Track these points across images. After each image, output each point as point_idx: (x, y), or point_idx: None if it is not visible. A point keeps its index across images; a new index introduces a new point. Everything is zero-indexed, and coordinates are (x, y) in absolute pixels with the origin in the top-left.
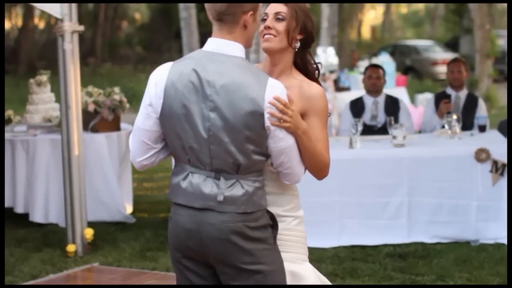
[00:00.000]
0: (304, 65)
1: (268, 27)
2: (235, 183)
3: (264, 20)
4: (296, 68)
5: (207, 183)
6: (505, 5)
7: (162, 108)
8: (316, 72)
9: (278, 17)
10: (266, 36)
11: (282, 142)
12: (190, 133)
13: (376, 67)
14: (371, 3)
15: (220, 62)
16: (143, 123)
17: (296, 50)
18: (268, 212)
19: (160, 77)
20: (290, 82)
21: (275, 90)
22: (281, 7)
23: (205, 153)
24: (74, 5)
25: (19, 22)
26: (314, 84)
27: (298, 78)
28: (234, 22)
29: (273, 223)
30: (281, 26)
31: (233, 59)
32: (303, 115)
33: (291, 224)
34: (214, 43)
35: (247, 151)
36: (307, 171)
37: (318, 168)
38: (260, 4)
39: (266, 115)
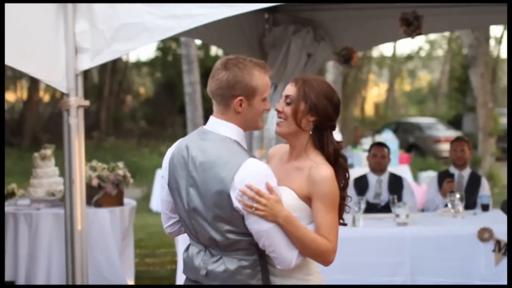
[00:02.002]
0: (321, 146)
1: (278, 111)
2: (219, 259)
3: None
4: (315, 148)
5: (198, 256)
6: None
7: (168, 179)
8: (337, 154)
9: (287, 101)
10: (277, 120)
11: (256, 225)
12: (180, 205)
13: (381, 145)
14: (374, 82)
15: (207, 140)
16: (161, 193)
17: (311, 132)
18: None
19: (169, 152)
20: (303, 164)
21: (248, 173)
22: (290, 89)
23: (190, 227)
24: (80, 80)
25: (24, 95)
26: (323, 167)
27: (313, 160)
28: (225, 104)
29: None
30: (289, 110)
31: (220, 139)
32: (310, 198)
33: None
34: (211, 121)
35: (221, 230)
36: None
37: (315, 254)
38: (261, 90)
39: (234, 196)
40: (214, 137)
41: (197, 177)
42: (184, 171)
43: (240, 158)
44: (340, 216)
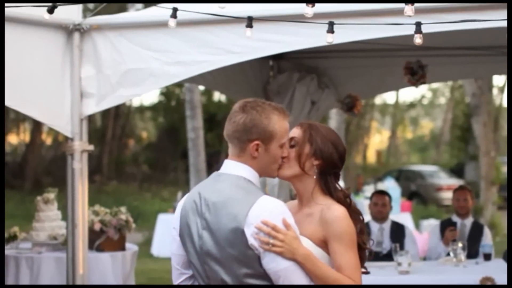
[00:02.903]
0: (329, 192)
1: (283, 156)
2: None
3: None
4: (323, 193)
5: None
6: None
7: (180, 228)
8: (346, 198)
9: (291, 143)
10: (280, 163)
11: (273, 264)
12: (192, 251)
13: (382, 193)
14: (377, 129)
15: (221, 181)
16: (171, 247)
17: (315, 176)
18: None
19: (181, 200)
20: (313, 209)
21: (263, 209)
22: (295, 132)
23: (202, 273)
24: (85, 124)
25: (27, 138)
26: (334, 206)
27: (321, 203)
28: (241, 148)
29: None
30: (292, 152)
31: (234, 179)
32: (326, 242)
33: None
34: (225, 164)
35: (235, 273)
36: None
37: None
38: (278, 136)
39: (248, 233)
40: (227, 178)
41: (210, 218)
42: (197, 215)
43: (254, 195)
44: (362, 264)
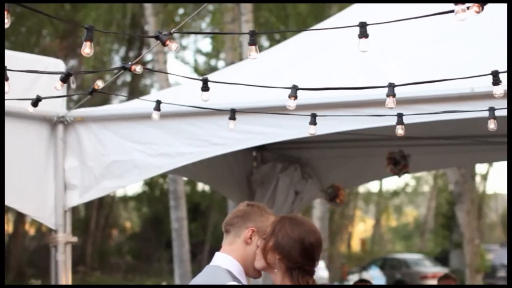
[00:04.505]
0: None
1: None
2: None
3: None
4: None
5: None
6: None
7: None
8: None
9: (263, 236)
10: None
11: None
12: None
13: (364, 281)
14: (361, 217)
15: (201, 272)
16: None
17: (278, 270)
18: None
19: None
20: None
21: None
22: (269, 225)
23: None
24: (68, 216)
25: (10, 229)
26: None
27: None
28: (236, 234)
29: None
30: (261, 244)
31: (212, 269)
32: None
33: None
34: (214, 257)
35: None
36: None
37: None
38: (266, 228)
39: None
40: (207, 269)
41: None
42: None
43: (217, 281)
44: None
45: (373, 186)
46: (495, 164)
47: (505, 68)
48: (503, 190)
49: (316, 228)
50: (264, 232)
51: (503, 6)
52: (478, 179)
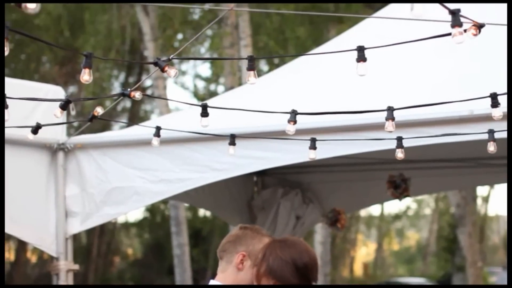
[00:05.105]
0: None
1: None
2: None
3: None
4: None
5: None
6: (496, 240)
7: None
8: None
9: (256, 261)
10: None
11: None
12: None
13: None
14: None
15: None
16: None
17: None
18: None
19: None
20: None
21: None
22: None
23: None
24: (70, 243)
25: (12, 257)
26: None
27: None
28: (228, 260)
29: None
30: (254, 271)
31: None
32: None
33: None
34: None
35: None
36: None
37: None
38: (258, 251)
39: None
40: None
41: None
42: None
43: None
44: None
45: (374, 210)
46: (497, 186)
47: (505, 87)
48: (504, 212)
49: (309, 248)
50: (257, 256)
51: (503, 28)
52: (479, 201)
